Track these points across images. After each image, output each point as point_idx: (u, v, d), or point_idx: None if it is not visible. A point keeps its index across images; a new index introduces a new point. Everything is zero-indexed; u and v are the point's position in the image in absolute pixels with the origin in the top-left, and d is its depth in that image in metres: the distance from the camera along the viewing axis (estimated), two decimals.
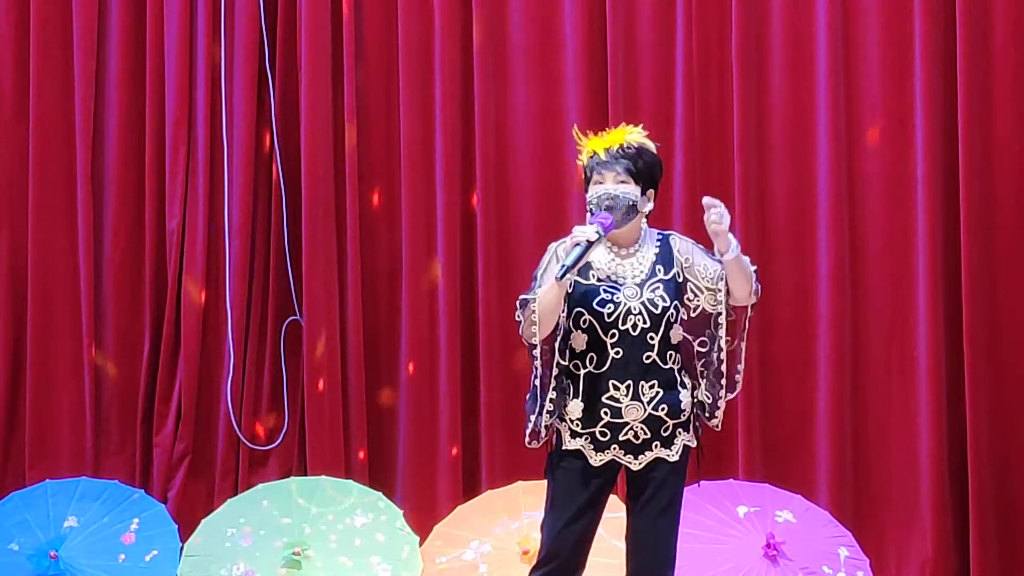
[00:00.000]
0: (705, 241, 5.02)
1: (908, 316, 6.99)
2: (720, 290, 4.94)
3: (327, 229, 7.44)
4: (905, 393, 7.01)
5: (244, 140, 7.50)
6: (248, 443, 7.50)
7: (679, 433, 4.97)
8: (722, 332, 4.95)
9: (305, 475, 7.36)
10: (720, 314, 4.96)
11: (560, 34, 7.30)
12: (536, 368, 4.89)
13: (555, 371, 4.87)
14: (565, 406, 4.93)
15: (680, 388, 4.96)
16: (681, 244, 5.03)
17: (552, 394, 4.88)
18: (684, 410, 4.96)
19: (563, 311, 4.86)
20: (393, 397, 7.51)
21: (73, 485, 7.18)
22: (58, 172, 7.58)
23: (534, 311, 4.79)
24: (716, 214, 4.81)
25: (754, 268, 4.95)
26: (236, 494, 7.28)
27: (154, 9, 7.54)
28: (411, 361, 7.43)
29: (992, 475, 6.91)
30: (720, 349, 4.96)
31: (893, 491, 7.03)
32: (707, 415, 5.04)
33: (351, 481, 7.20)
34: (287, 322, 7.58)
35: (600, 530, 5.04)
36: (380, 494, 7.08)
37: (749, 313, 4.98)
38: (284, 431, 7.54)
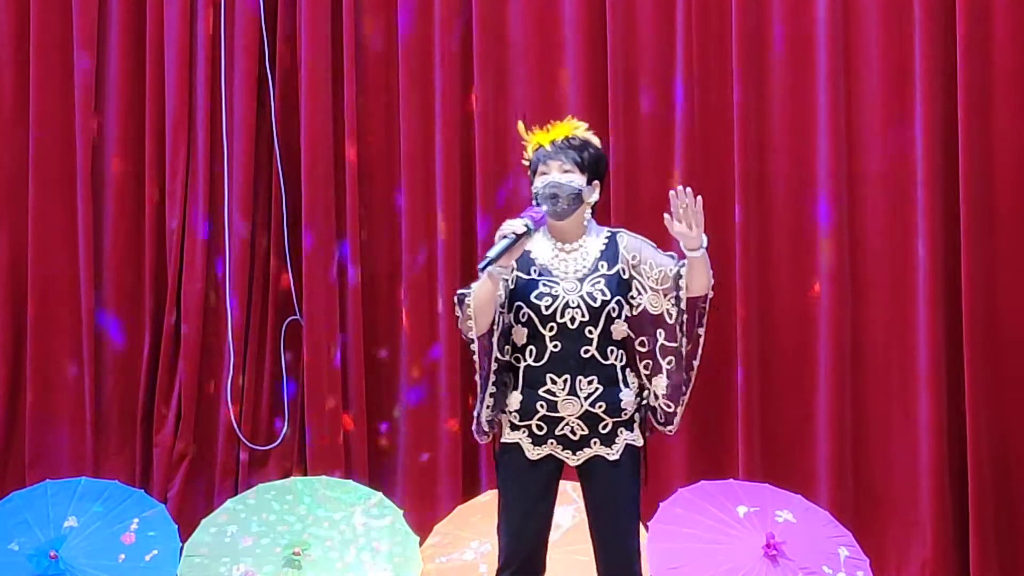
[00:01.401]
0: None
1: (908, 316, 6.99)
2: (662, 291, 4.86)
3: (327, 229, 7.44)
4: (905, 393, 7.00)
5: (244, 140, 7.50)
6: (248, 443, 7.50)
7: (620, 432, 4.89)
8: (682, 338, 4.85)
9: (305, 475, 7.36)
10: (662, 315, 4.87)
11: (560, 34, 7.30)
12: (476, 363, 4.85)
13: (494, 365, 4.83)
14: (506, 399, 4.91)
15: (623, 386, 4.88)
16: (629, 241, 4.96)
17: (492, 388, 4.85)
18: (625, 409, 4.88)
19: (504, 306, 4.81)
20: (393, 397, 7.51)
21: (73, 485, 7.17)
22: (58, 172, 7.58)
23: (469, 306, 4.78)
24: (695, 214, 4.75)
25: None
26: (236, 494, 7.28)
27: (154, 9, 7.54)
28: (411, 361, 7.43)
29: (992, 475, 6.90)
30: (668, 350, 4.87)
31: (893, 491, 7.03)
32: (661, 421, 4.96)
33: (351, 481, 7.20)
34: (287, 322, 7.58)
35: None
36: (380, 494, 7.08)
37: (707, 305, 4.87)
38: (284, 431, 7.54)
